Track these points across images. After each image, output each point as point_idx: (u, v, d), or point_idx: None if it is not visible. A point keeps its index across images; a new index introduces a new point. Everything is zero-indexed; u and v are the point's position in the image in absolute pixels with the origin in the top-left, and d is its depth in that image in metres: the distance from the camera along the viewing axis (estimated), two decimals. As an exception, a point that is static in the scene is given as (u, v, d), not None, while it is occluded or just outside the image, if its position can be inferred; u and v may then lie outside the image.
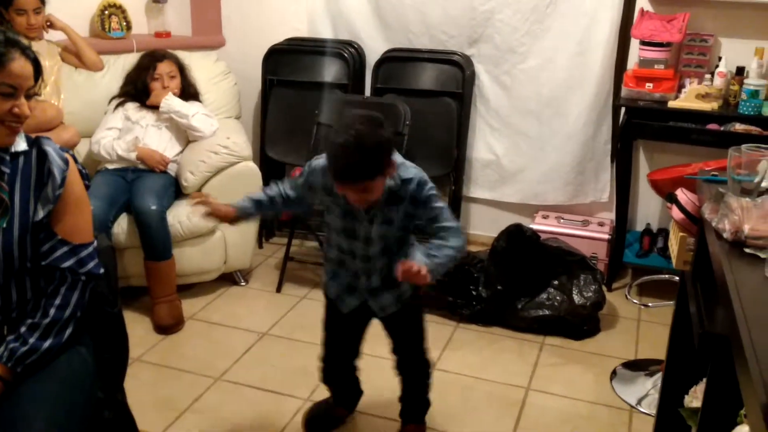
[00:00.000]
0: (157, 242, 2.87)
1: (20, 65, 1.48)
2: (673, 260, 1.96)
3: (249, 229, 3.25)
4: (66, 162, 1.57)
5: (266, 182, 3.28)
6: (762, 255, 1.38)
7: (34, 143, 1.57)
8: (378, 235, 1.90)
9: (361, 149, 1.69)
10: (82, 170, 1.64)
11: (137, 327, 2.90)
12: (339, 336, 2.19)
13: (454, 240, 1.88)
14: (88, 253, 1.60)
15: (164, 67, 3.16)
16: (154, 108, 3.16)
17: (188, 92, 3.25)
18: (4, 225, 1.49)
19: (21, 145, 1.55)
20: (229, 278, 3.32)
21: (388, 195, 1.85)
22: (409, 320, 2.11)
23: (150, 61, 3.19)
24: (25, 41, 3.18)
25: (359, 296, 2.03)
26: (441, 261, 1.84)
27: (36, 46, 3.11)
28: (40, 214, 1.54)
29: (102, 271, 1.62)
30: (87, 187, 1.66)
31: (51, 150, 1.56)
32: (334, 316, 2.13)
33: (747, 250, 1.40)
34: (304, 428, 2.33)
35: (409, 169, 1.87)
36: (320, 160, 1.91)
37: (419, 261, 1.82)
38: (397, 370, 2.21)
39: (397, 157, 1.84)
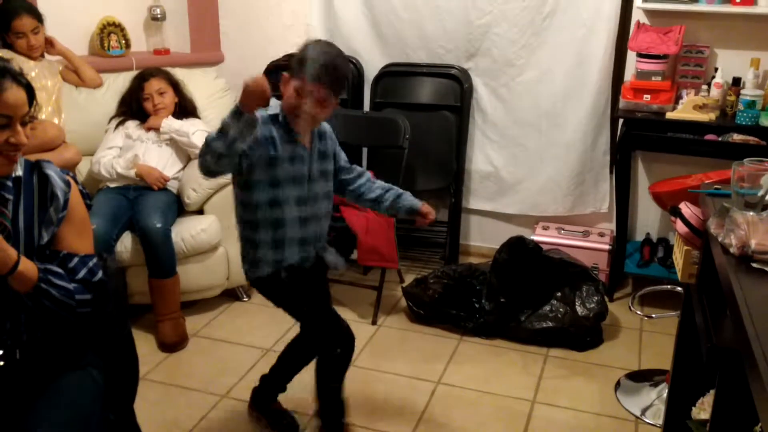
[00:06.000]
0: (162, 260, 2.87)
1: (14, 94, 1.44)
2: (678, 273, 1.98)
3: (251, 244, 3.25)
4: (68, 184, 1.57)
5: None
6: (769, 269, 1.39)
7: (35, 167, 1.57)
8: (319, 171, 2.11)
9: (347, 63, 2.09)
10: (82, 190, 1.64)
11: (141, 345, 2.88)
12: (311, 288, 2.21)
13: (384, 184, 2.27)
14: (95, 263, 1.59)
15: (152, 85, 3.16)
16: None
17: (185, 107, 3.26)
18: None
19: (20, 170, 1.54)
20: (231, 294, 3.33)
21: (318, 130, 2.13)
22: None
23: (138, 81, 3.21)
24: (28, 62, 3.20)
25: (310, 250, 2.15)
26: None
27: (38, 66, 3.13)
28: (45, 237, 1.54)
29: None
30: (89, 207, 1.65)
31: (53, 173, 1.56)
32: (294, 280, 2.13)
33: (754, 265, 1.42)
34: None
35: None
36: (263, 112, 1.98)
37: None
38: (330, 348, 2.20)
39: None
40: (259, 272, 2.12)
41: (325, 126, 2.15)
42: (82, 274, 1.55)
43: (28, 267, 1.46)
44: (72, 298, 1.52)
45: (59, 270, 1.52)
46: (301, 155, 2.05)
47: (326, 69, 1.92)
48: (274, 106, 2.03)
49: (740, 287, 1.34)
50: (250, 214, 2.07)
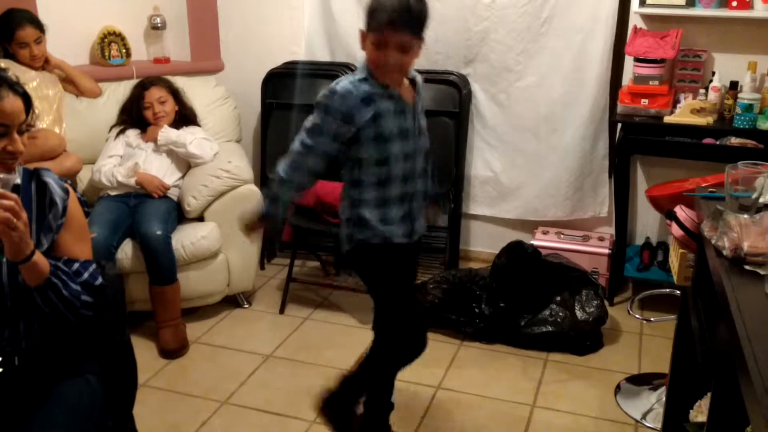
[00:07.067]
0: (162, 267, 2.88)
1: (10, 103, 1.46)
2: (674, 276, 1.98)
3: (251, 250, 3.27)
4: (66, 191, 1.59)
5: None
6: (762, 272, 1.40)
7: (33, 175, 1.59)
8: (419, 126, 2.02)
9: (422, 2, 1.87)
10: (81, 198, 1.66)
11: (142, 352, 2.90)
12: (409, 281, 2.18)
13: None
14: (95, 269, 1.61)
15: (153, 94, 3.19)
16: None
17: (185, 116, 3.28)
18: (4, 260, 1.49)
19: (18, 178, 1.55)
20: (232, 300, 3.34)
21: (411, 81, 2.03)
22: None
23: (139, 90, 3.23)
24: (30, 71, 3.22)
25: (418, 221, 2.10)
26: None
27: (40, 76, 3.16)
28: (44, 244, 1.55)
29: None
30: (87, 214, 1.67)
31: (51, 180, 1.58)
32: (397, 261, 2.07)
33: (747, 267, 1.42)
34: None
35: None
36: (344, 84, 1.90)
37: None
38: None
39: None
40: (364, 235, 2.01)
41: (419, 78, 2.06)
42: (84, 276, 1.57)
43: (41, 259, 1.48)
44: (77, 298, 1.54)
45: (67, 269, 1.54)
46: (403, 109, 1.97)
47: (399, 12, 1.81)
48: (360, 69, 1.94)
49: (732, 289, 1.35)
50: (356, 173, 1.99)
